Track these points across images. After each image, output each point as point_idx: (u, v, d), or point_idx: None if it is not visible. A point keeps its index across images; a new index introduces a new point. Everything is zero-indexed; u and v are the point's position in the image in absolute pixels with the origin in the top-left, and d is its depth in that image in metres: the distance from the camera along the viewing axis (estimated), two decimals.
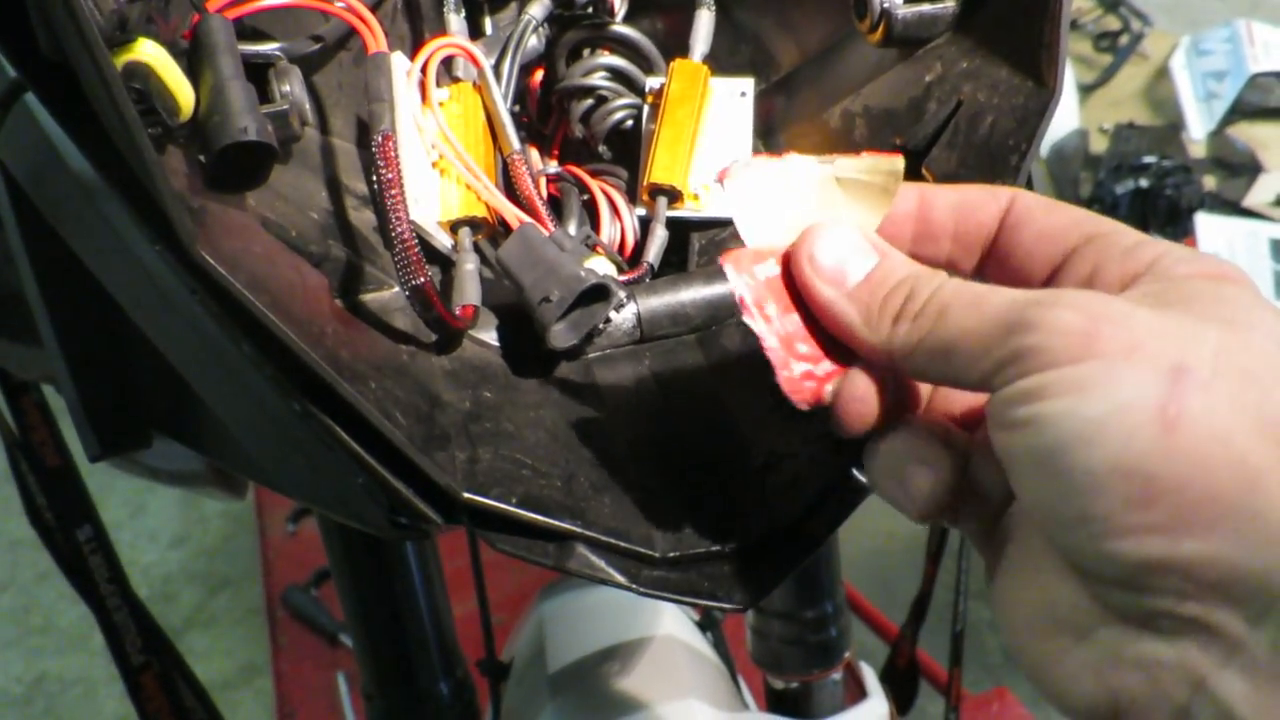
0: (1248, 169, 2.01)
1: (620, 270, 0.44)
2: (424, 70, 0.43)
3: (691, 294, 0.44)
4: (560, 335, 0.40)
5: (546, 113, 0.52)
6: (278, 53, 0.41)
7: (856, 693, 0.79)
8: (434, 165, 0.43)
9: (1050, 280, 0.31)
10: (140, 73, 0.33)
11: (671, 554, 0.37)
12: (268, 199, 0.38)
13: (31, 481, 0.65)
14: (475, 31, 0.49)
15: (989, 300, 0.28)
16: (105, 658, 0.66)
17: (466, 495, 0.34)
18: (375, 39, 0.40)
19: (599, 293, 0.40)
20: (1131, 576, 0.25)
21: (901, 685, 1.00)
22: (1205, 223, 1.89)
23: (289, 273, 0.35)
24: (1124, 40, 2.26)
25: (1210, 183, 2.01)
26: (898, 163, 0.32)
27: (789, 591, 0.75)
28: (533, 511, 0.35)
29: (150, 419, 0.46)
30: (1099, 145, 2.13)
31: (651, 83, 0.49)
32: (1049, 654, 0.28)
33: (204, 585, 1.98)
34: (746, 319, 0.32)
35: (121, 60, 0.33)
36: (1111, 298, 0.27)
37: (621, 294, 0.42)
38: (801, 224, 0.33)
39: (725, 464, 0.40)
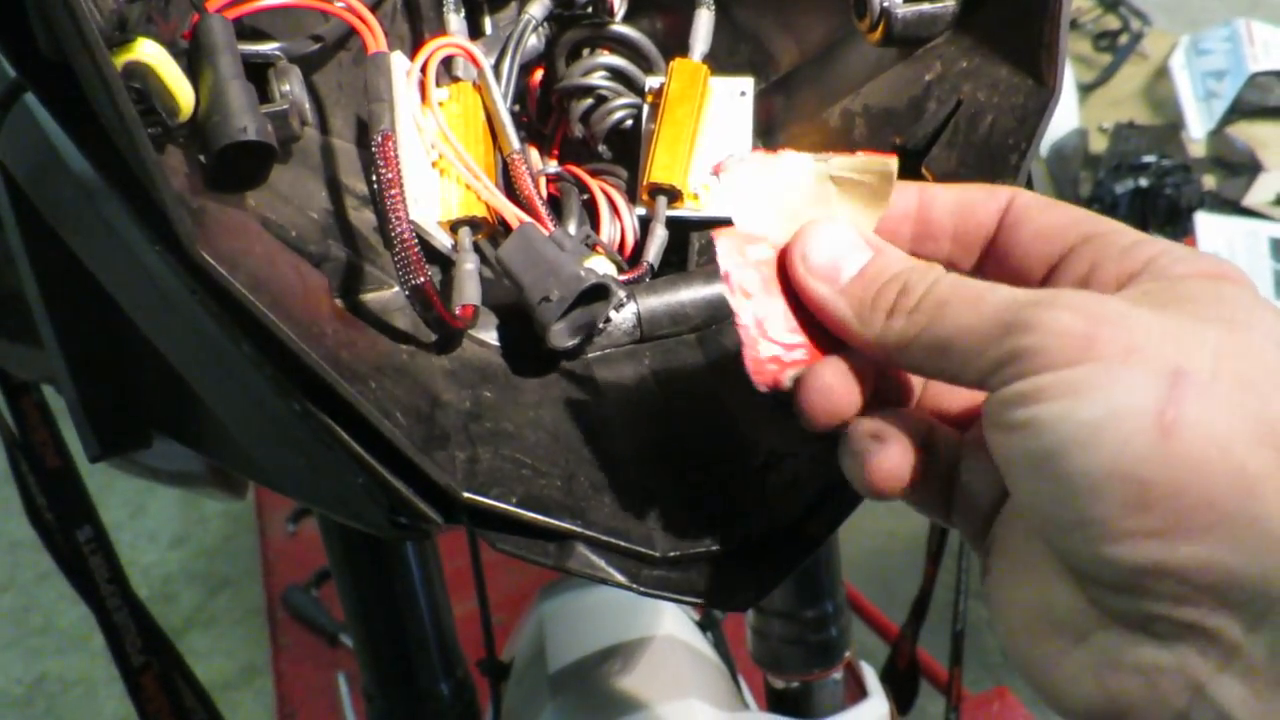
0: (1247, 168, 2.01)
1: (620, 270, 0.44)
2: (424, 70, 0.43)
3: (691, 293, 0.44)
4: (560, 335, 0.40)
5: (546, 112, 0.52)
6: (277, 52, 0.41)
7: (857, 692, 0.79)
8: (434, 165, 0.43)
9: (1047, 279, 0.31)
10: (140, 72, 0.33)
11: (671, 553, 0.37)
12: (267, 199, 0.38)
13: (32, 482, 0.65)
14: (475, 31, 0.49)
15: (987, 298, 0.28)
16: (106, 658, 0.66)
17: (466, 495, 0.34)
18: (375, 39, 0.40)
19: (599, 292, 0.40)
20: (1128, 580, 0.25)
21: (902, 685, 1.00)
22: (1205, 222, 1.89)
23: (289, 273, 0.35)
24: (1123, 40, 2.26)
25: (1210, 182, 2.01)
26: (890, 163, 0.32)
27: (789, 591, 0.75)
28: (533, 511, 0.35)
29: (150, 419, 0.46)
30: (1099, 145, 2.13)
31: (651, 82, 0.49)
32: (1046, 656, 0.28)
33: (204, 586, 1.98)
34: (725, 294, 0.32)
35: (121, 60, 0.33)
36: (1110, 299, 0.27)
37: (621, 293, 0.42)
38: (795, 220, 0.33)
39: (725, 463, 0.40)
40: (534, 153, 0.51)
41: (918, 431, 0.32)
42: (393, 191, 0.37)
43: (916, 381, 0.35)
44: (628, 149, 0.49)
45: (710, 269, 0.45)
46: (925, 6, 0.42)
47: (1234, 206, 1.96)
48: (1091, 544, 0.25)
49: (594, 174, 0.49)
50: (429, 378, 0.39)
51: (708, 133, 0.47)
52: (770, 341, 0.32)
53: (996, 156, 0.39)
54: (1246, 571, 0.23)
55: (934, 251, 0.34)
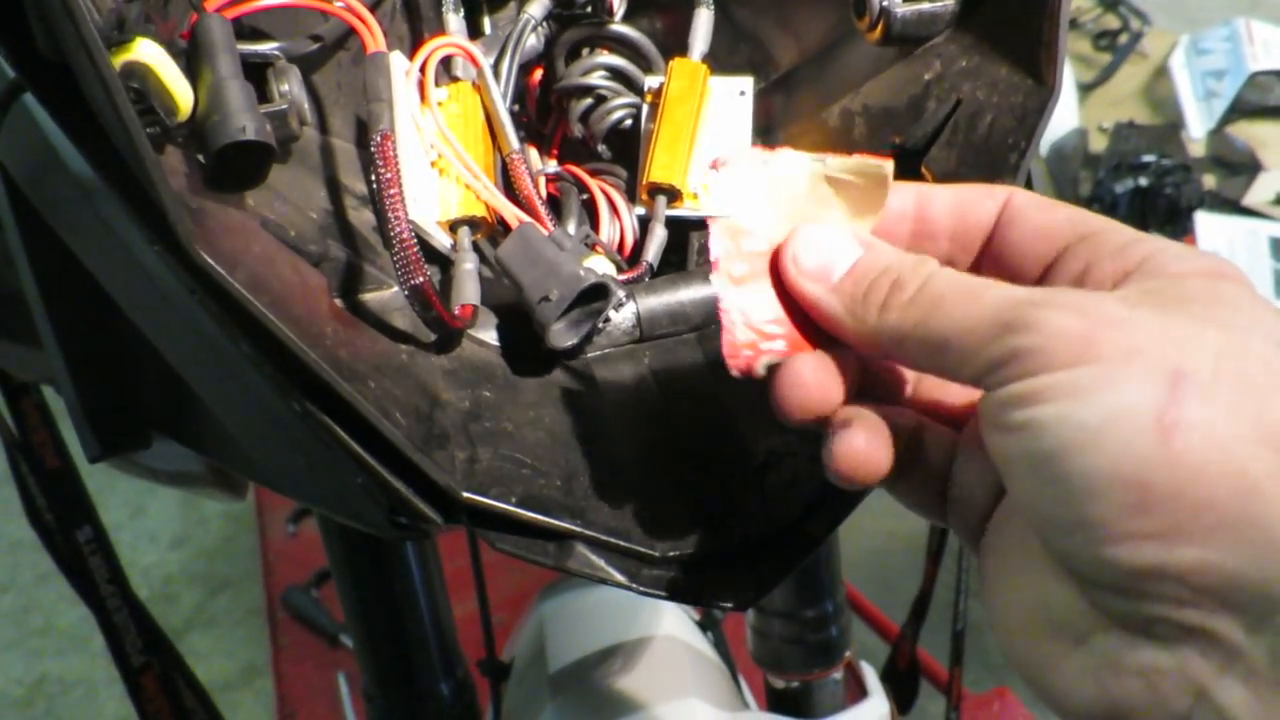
0: (1247, 167, 2.01)
1: (619, 269, 0.44)
2: (423, 70, 0.43)
3: (691, 293, 0.44)
4: (560, 334, 0.40)
5: (545, 112, 0.52)
6: (276, 52, 0.41)
7: (857, 692, 0.79)
8: (433, 165, 0.43)
9: (1043, 277, 0.31)
10: (138, 72, 0.33)
11: (671, 553, 0.37)
12: (267, 199, 0.38)
13: (31, 483, 0.65)
14: (474, 31, 0.49)
15: (984, 294, 0.28)
16: (106, 659, 0.66)
17: (466, 495, 0.34)
18: (374, 38, 0.40)
19: (598, 292, 0.40)
20: (1129, 583, 0.25)
21: (902, 684, 1.00)
22: (1205, 221, 1.89)
23: (288, 272, 0.35)
24: (1123, 39, 2.26)
25: (1210, 181, 2.01)
26: (885, 167, 0.32)
27: (789, 591, 0.75)
28: (532, 511, 0.35)
29: (150, 420, 0.46)
30: (1098, 144, 2.13)
31: (650, 82, 0.49)
32: (1045, 658, 0.28)
33: (204, 586, 1.98)
34: (712, 277, 0.32)
35: (120, 60, 0.33)
36: (1109, 299, 0.27)
37: (621, 293, 0.42)
38: (791, 218, 0.33)
39: (725, 463, 0.40)
40: (533, 152, 0.51)
41: (901, 426, 0.32)
42: (392, 191, 0.37)
43: (907, 380, 0.35)
44: (627, 149, 0.49)
45: (710, 269, 0.45)
46: (925, 5, 0.42)
47: (1234, 206, 1.96)
48: (1092, 546, 0.25)
49: (593, 174, 0.49)
50: (428, 377, 0.39)
51: (707, 132, 0.47)
52: (749, 328, 0.32)
53: (996, 156, 0.39)
54: (1248, 574, 0.23)
55: (932, 251, 0.34)
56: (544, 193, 0.47)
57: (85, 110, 0.32)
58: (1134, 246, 0.29)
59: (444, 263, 0.44)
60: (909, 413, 0.33)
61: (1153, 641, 0.25)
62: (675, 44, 0.48)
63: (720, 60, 0.50)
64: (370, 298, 0.41)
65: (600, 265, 0.42)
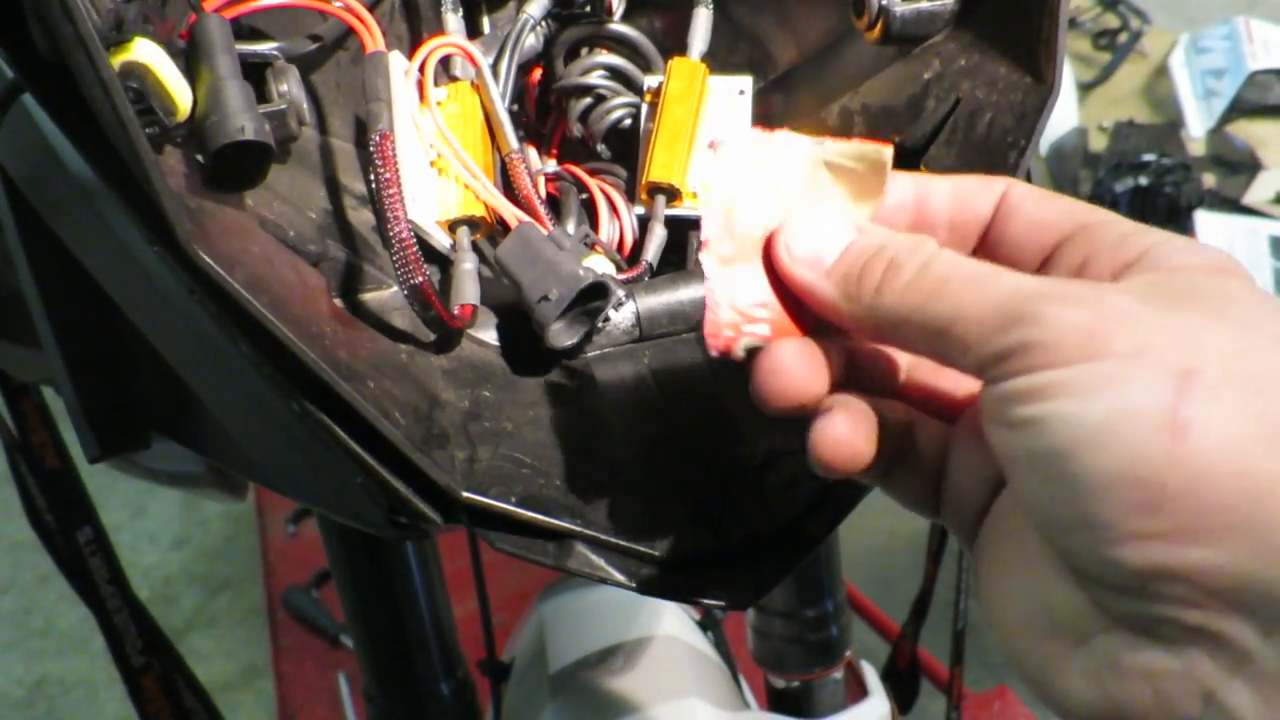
0: (1247, 166, 2.01)
1: (619, 269, 0.44)
2: (422, 69, 0.43)
3: (690, 292, 0.44)
4: (559, 334, 0.40)
5: (545, 112, 0.52)
6: (275, 52, 0.41)
7: (858, 691, 0.79)
8: (432, 164, 0.43)
9: (1042, 269, 0.31)
10: (137, 72, 0.33)
11: (671, 553, 0.37)
12: (266, 199, 0.38)
13: (31, 483, 0.65)
14: (473, 31, 0.49)
15: (991, 283, 0.27)
16: (106, 660, 0.66)
17: (466, 494, 0.34)
18: (373, 38, 0.40)
19: (598, 291, 0.40)
20: (1135, 583, 0.24)
21: (903, 684, 1.00)
22: (1205, 220, 1.89)
23: (287, 272, 0.35)
24: (1123, 38, 2.26)
25: (1210, 180, 2.01)
26: (884, 153, 0.32)
27: (790, 590, 0.75)
28: (532, 510, 0.35)
29: (149, 420, 0.46)
30: (1098, 143, 2.13)
31: (650, 81, 0.49)
32: (1046, 659, 0.27)
33: (205, 587, 1.98)
34: (700, 253, 0.32)
35: (118, 60, 0.33)
36: (1117, 294, 0.26)
37: (620, 292, 0.42)
38: (788, 202, 0.32)
39: (724, 462, 0.40)
40: (532, 152, 0.51)
41: (892, 420, 0.31)
42: (391, 191, 0.37)
43: (898, 370, 0.34)
44: (626, 148, 0.49)
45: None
46: (924, 4, 0.42)
47: (1234, 205, 1.96)
48: (1098, 545, 0.25)
49: (592, 173, 0.49)
50: (428, 377, 0.39)
51: (706, 132, 0.47)
52: (734, 309, 0.31)
53: (995, 154, 0.39)
54: (1260, 575, 0.23)
55: None
56: (543, 192, 0.47)
57: (84, 110, 0.32)
58: (1134, 238, 0.29)
59: (443, 262, 0.44)
60: (900, 406, 0.33)
61: (1158, 643, 0.25)
62: (674, 43, 0.48)
63: (719, 59, 0.50)
64: (369, 297, 0.41)
65: (600, 265, 0.42)
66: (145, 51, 0.33)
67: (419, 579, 0.67)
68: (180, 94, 0.34)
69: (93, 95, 0.30)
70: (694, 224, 0.48)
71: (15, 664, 1.88)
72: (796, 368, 0.30)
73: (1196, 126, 2.09)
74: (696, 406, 0.42)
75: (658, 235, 0.46)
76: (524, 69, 0.51)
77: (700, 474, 0.40)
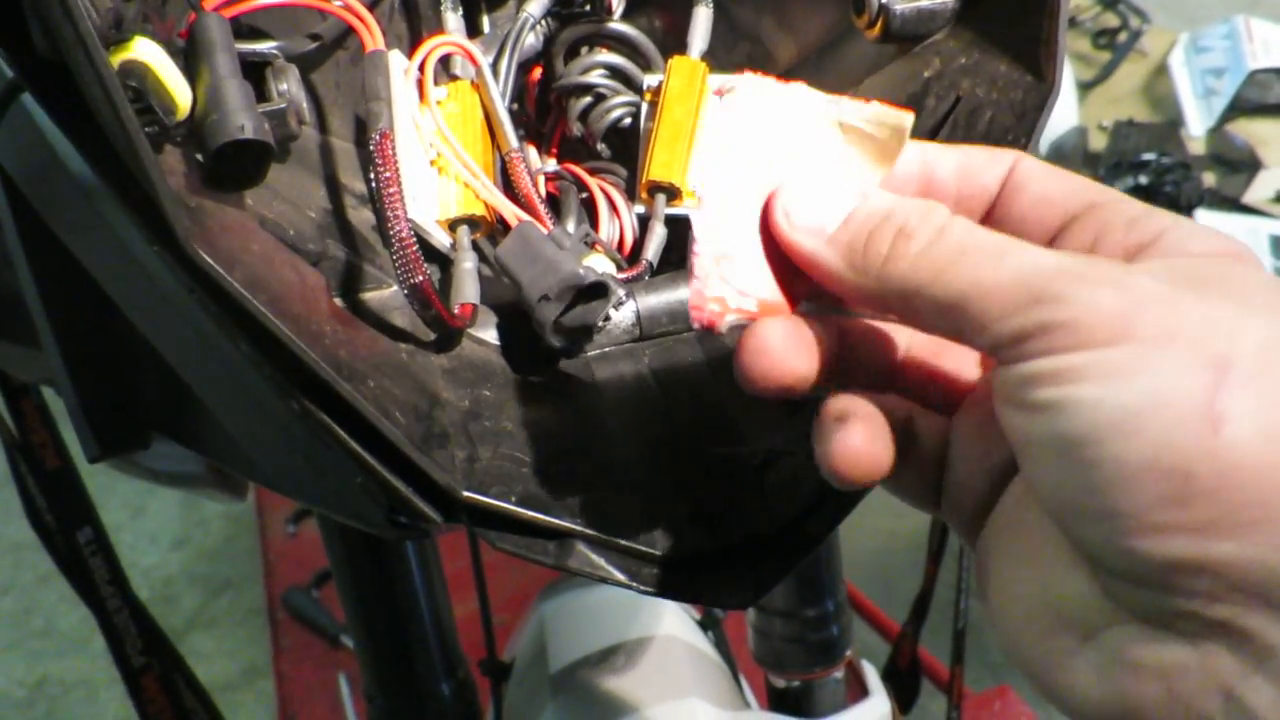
0: (1247, 165, 2.01)
1: (619, 268, 0.44)
2: (421, 68, 0.43)
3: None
4: (559, 333, 0.40)
5: (545, 111, 0.52)
6: (275, 51, 0.41)
7: (858, 691, 0.79)
8: (432, 164, 0.43)
9: (1050, 246, 0.29)
10: (136, 71, 0.33)
11: (671, 552, 0.37)
12: (265, 198, 0.38)
13: (32, 484, 0.65)
14: (473, 29, 0.49)
15: (1012, 256, 0.26)
16: (107, 660, 0.67)
17: (466, 494, 0.34)
18: (373, 37, 0.40)
19: (598, 290, 0.40)
20: (1157, 575, 0.24)
21: (903, 684, 1.00)
22: (1205, 219, 1.89)
23: (287, 272, 0.35)
24: (1122, 37, 2.27)
25: (1209, 179, 2.01)
26: (905, 119, 0.30)
27: (790, 590, 0.75)
28: (532, 510, 0.35)
29: (149, 420, 0.46)
30: (1098, 142, 2.13)
31: (649, 80, 0.49)
32: (1051, 654, 0.27)
33: (205, 587, 1.98)
34: (692, 216, 0.30)
35: (117, 59, 0.33)
36: (1143, 274, 0.25)
37: (620, 292, 0.42)
38: (794, 159, 0.31)
39: (724, 462, 0.40)
40: (532, 151, 0.51)
41: (893, 415, 0.30)
42: (391, 190, 0.37)
43: (895, 352, 0.33)
44: (626, 147, 0.49)
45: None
46: (924, 3, 0.42)
47: (1234, 204, 1.96)
48: (1119, 536, 0.24)
49: (592, 172, 0.49)
50: (428, 376, 0.39)
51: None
52: (723, 282, 0.30)
53: None
54: None
55: None
56: (543, 191, 0.47)
57: (83, 110, 0.32)
58: (1146, 220, 0.28)
59: (443, 261, 0.44)
60: (900, 400, 0.32)
61: (1175, 637, 0.24)
62: (674, 42, 0.48)
63: (719, 58, 0.50)
64: (369, 297, 0.41)
65: (600, 264, 0.42)
66: (145, 50, 0.33)
67: (419, 579, 0.67)
68: (180, 93, 0.34)
69: (92, 94, 0.30)
70: None
71: (16, 664, 1.88)
72: (783, 348, 0.29)
73: (1196, 125, 2.09)
74: (697, 406, 0.42)
75: (658, 234, 0.46)
76: (524, 68, 0.51)
77: (700, 474, 0.40)
